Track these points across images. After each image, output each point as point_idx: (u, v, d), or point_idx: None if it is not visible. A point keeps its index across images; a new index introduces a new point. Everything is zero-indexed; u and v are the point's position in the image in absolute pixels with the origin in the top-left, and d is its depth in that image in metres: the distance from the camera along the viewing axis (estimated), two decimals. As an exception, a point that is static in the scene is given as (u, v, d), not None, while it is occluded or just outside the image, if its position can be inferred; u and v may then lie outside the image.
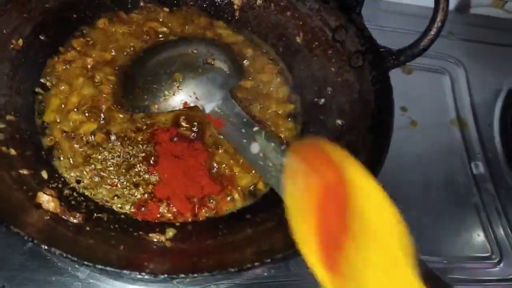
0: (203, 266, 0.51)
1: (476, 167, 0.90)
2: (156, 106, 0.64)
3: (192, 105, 0.65)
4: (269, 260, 0.49)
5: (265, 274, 0.71)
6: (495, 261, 0.80)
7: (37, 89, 0.67)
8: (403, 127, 0.92)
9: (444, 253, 0.80)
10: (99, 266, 0.45)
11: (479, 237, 0.83)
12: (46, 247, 0.45)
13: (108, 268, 0.45)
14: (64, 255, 0.45)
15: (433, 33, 0.65)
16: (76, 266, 0.66)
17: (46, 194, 0.54)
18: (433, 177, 0.88)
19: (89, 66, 0.70)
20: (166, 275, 0.45)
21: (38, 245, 0.45)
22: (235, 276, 0.69)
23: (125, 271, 0.45)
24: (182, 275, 0.46)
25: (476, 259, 0.81)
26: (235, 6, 0.81)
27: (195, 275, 0.46)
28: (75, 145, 0.63)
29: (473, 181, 0.89)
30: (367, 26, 0.72)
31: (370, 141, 0.63)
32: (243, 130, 0.63)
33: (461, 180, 0.89)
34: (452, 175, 0.89)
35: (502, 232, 0.83)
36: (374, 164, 0.59)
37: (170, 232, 0.58)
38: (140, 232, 0.57)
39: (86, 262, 0.45)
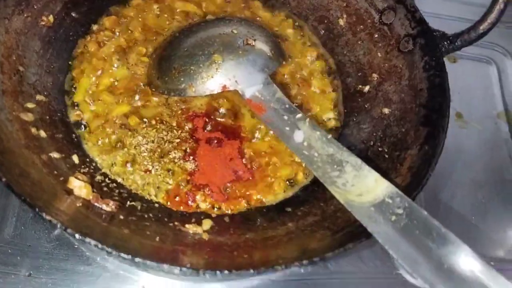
0: (245, 261, 0.47)
1: (525, 163, 0.84)
2: (193, 89, 0.60)
3: (231, 88, 0.61)
4: (318, 259, 0.44)
5: (302, 271, 0.67)
6: (547, 264, 0.75)
7: (69, 69, 0.64)
8: (448, 118, 0.87)
9: (492, 254, 0.75)
10: (138, 260, 0.41)
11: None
12: (80, 237, 0.41)
13: (147, 262, 0.41)
14: (99, 246, 0.41)
15: (494, 15, 0.60)
16: (106, 256, 0.63)
17: (78, 179, 0.51)
18: (480, 174, 0.83)
19: (122, 47, 0.66)
20: (208, 270, 0.42)
21: (71, 235, 0.41)
22: (271, 272, 0.66)
23: (165, 266, 0.41)
24: (226, 271, 0.42)
25: (527, 261, 0.75)
26: (274, -15, 0.77)
27: (239, 271, 0.42)
28: (107, 128, 0.60)
29: (522, 178, 0.83)
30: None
31: (423, 134, 0.58)
32: (285, 117, 0.59)
33: (509, 177, 0.83)
34: (500, 171, 0.84)
35: (554, 234, 0.78)
36: (429, 157, 0.55)
37: (207, 224, 0.55)
38: (176, 223, 0.54)
39: (123, 254, 0.41)
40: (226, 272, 0.42)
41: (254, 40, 0.62)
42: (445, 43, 0.63)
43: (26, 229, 0.63)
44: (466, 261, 0.43)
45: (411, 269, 0.44)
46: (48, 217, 0.42)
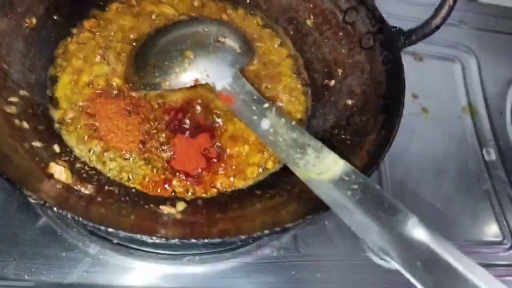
0: (213, 233, 0.51)
1: (487, 154, 0.90)
2: (167, 83, 0.65)
3: (203, 82, 0.65)
4: (278, 229, 0.49)
5: (274, 254, 0.71)
6: (507, 246, 0.80)
7: (50, 67, 0.68)
8: (415, 113, 0.92)
9: (456, 238, 0.79)
10: (111, 230, 0.45)
11: (491, 222, 0.82)
12: (58, 210, 0.45)
13: (120, 232, 0.45)
14: (76, 218, 0.45)
15: (445, 11, 0.65)
16: (87, 242, 0.66)
17: (58, 164, 0.55)
18: (445, 164, 0.88)
19: (101, 46, 0.70)
20: (177, 240, 0.45)
21: (50, 208, 0.45)
22: (245, 255, 0.70)
23: (137, 235, 0.45)
24: (193, 240, 0.46)
25: (488, 244, 0.80)
26: (246, -11, 0.82)
27: (206, 240, 0.46)
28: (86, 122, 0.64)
29: (485, 168, 0.88)
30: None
31: (381, 120, 0.63)
32: (254, 107, 0.64)
33: (472, 167, 0.88)
34: (464, 162, 0.89)
35: (514, 218, 0.82)
36: (385, 140, 0.59)
37: (181, 206, 0.58)
38: (151, 205, 0.57)
39: (97, 225, 0.45)
40: (193, 240, 0.46)
41: (224, 37, 0.67)
42: (402, 38, 0.68)
43: (11, 218, 0.66)
44: (414, 228, 0.47)
45: (364, 237, 0.48)
46: (28, 193, 0.45)
